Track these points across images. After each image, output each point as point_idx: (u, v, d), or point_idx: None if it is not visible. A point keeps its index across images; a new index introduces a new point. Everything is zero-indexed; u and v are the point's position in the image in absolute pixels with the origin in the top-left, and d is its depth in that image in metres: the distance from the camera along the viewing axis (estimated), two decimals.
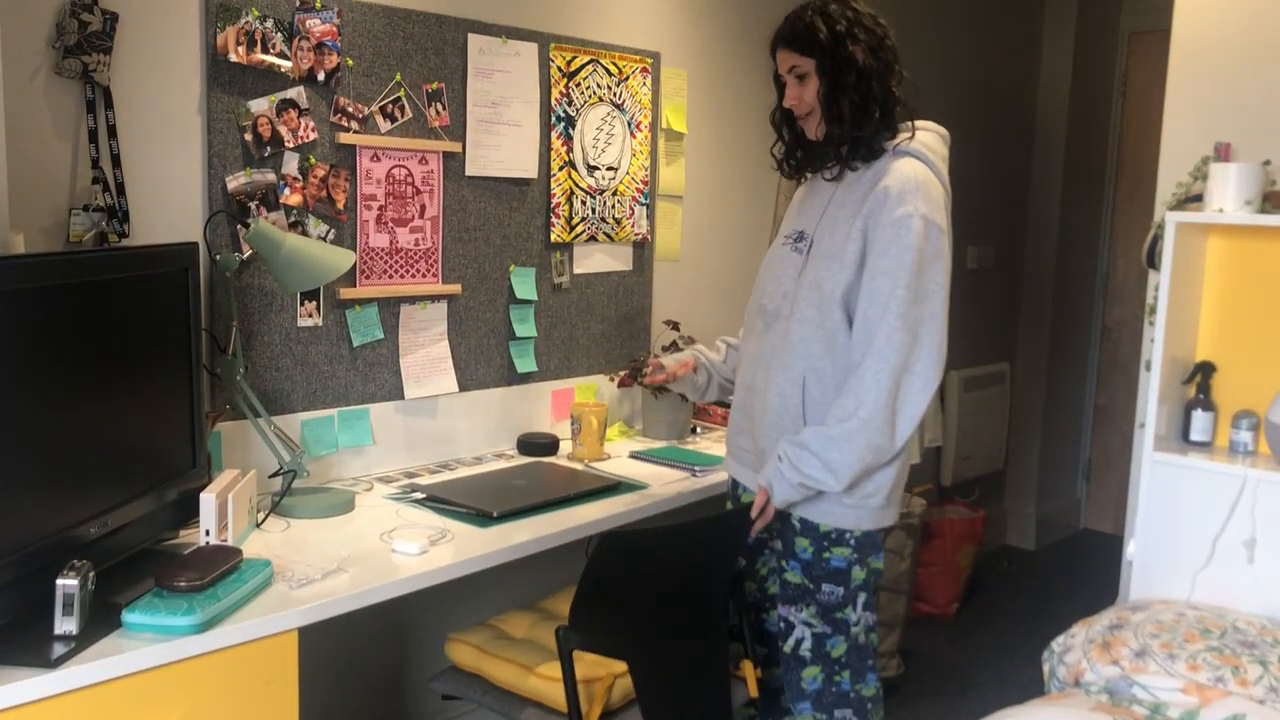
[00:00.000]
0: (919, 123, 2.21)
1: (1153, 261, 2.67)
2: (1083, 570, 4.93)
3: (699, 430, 3.31)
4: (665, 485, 2.71)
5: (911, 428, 2.11)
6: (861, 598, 2.24)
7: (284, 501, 2.37)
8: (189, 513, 2.15)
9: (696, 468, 2.84)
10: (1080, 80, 5.07)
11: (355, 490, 2.56)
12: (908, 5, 4.21)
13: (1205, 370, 2.57)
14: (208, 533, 2.10)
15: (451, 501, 2.47)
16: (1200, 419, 2.57)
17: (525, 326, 3.04)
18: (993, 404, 4.96)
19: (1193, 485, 2.48)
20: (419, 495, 2.53)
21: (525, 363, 3.05)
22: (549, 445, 3.00)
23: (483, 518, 2.41)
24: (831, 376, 2.16)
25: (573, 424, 2.95)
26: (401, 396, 2.77)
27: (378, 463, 2.74)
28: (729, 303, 3.71)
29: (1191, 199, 2.57)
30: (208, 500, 2.10)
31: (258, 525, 2.30)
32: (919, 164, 2.14)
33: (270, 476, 2.44)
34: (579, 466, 2.88)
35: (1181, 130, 2.70)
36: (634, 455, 2.99)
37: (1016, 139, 5.10)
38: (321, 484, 2.60)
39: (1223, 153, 2.54)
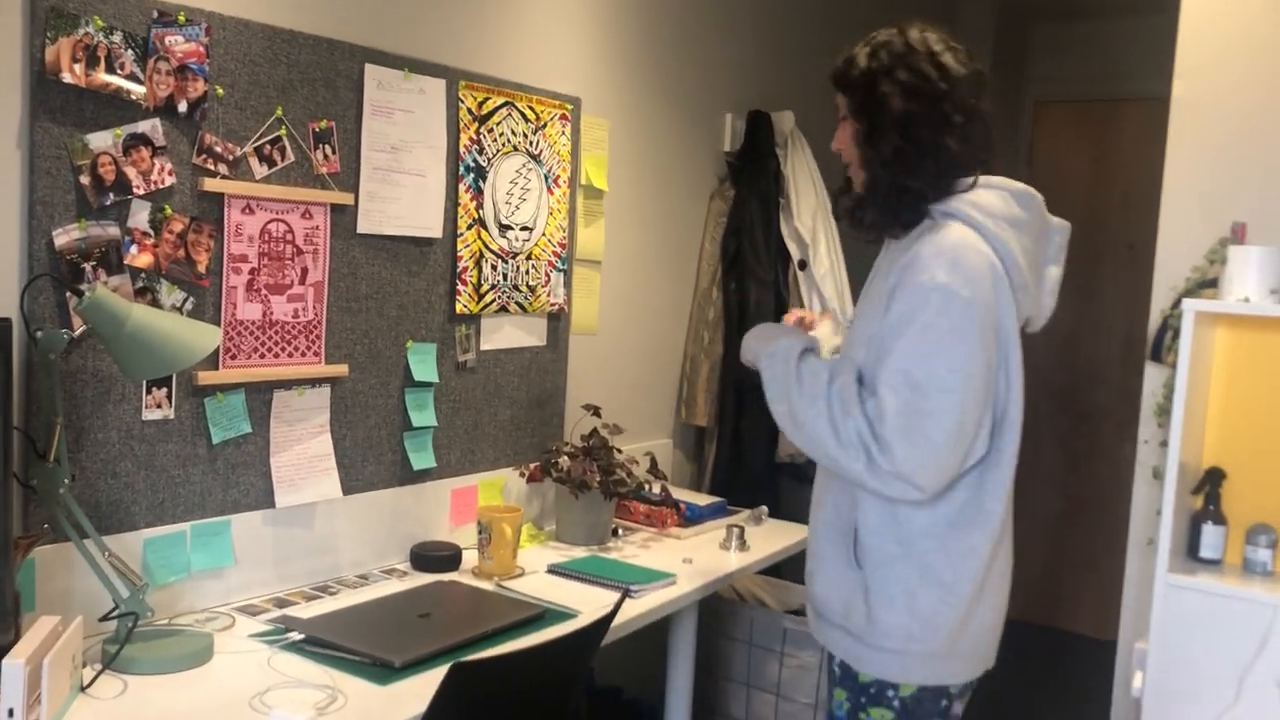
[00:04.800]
0: (984, 179, 1.81)
1: (1159, 355, 2.38)
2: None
3: (621, 532, 2.86)
4: (600, 612, 2.24)
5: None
6: None
7: (122, 652, 1.81)
8: None
9: (633, 586, 2.39)
10: None
11: (213, 629, 2.01)
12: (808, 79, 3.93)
13: (1214, 478, 2.27)
14: (11, 714, 1.54)
15: (340, 646, 1.95)
16: (1211, 534, 2.26)
17: (423, 414, 2.54)
18: None
19: (1214, 613, 2.16)
20: (297, 636, 2.00)
21: (422, 458, 2.55)
22: (449, 559, 2.50)
23: (382, 668, 1.89)
24: None
25: (480, 532, 2.46)
26: (272, 504, 2.24)
27: (240, 588, 2.19)
28: (651, 382, 3.29)
29: (1204, 285, 2.29)
30: (13, 670, 1.54)
31: (83, 689, 1.74)
32: (963, 228, 1.76)
33: (103, 619, 1.88)
34: (489, 586, 2.39)
35: (1182, 208, 2.43)
36: (553, 569, 2.52)
37: None
38: (170, 620, 2.04)
39: (1239, 234, 2.27)
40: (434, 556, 2.49)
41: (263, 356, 2.19)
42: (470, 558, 2.53)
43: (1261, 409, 2.26)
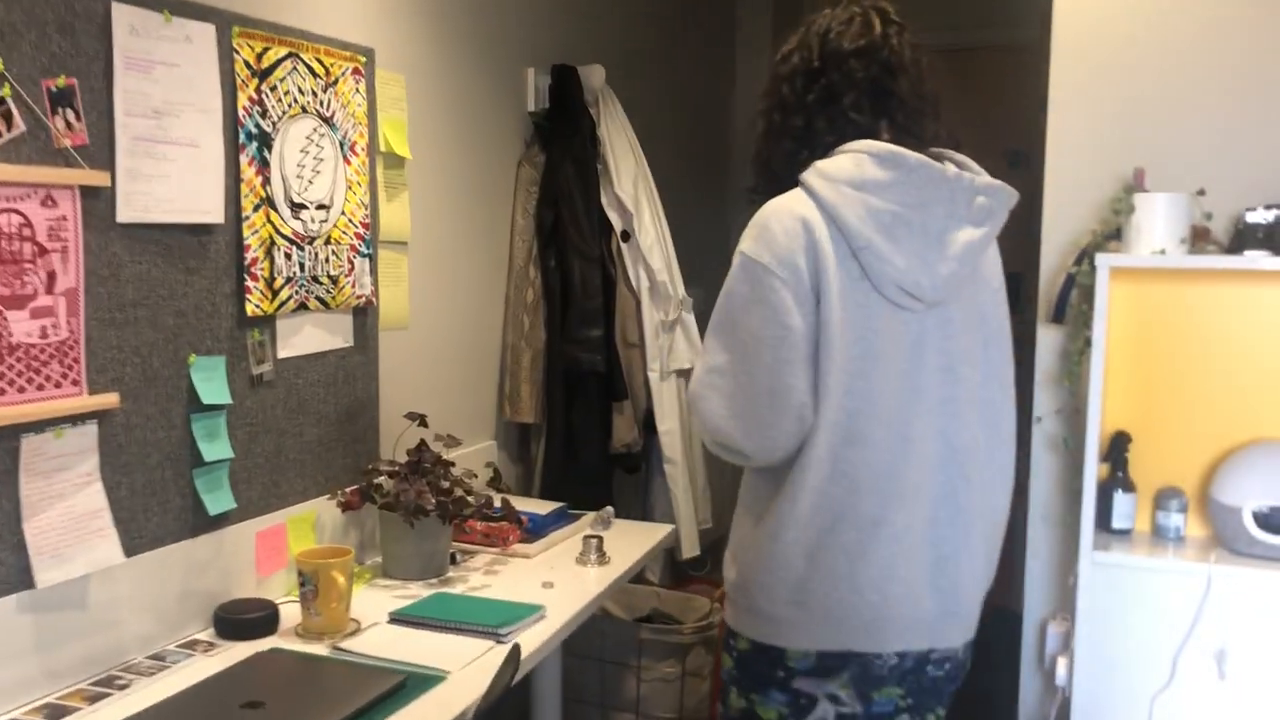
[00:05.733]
0: (851, 143, 1.69)
1: (1061, 315, 2.20)
2: None
3: (459, 558, 2.45)
4: (472, 668, 1.86)
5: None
6: None
7: None
8: None
9: (501, 629, 2.00)
10: None
11: None
12: (617, 31, 3.60)
13: (1120, 443, 2.13)
14: None
15: None
16: (1122, 502, 2.12)
17: (216, 444, 2.04)
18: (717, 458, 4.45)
19: (1143, 589, 2.01)
20: None
21: (218, 498, 2.05)
22: (264, 620, 2.02)
23: None
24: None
25: (303, 584, 2.00)
26: (30, 584, 1.70)
27: None
28: (469, 378, 2.88)
29: (1108, 237, 2.12)
30: None
31: None
32: (795, 194, 1.70)
33: None
34: (322, 649, 1.94)
35: (1069, 160, 2.26)
36: (397, 618, 2.09)
37: (715, 172, 4.67)
38: None
39: (1139, 179, 2.12)
40: (245, 619, 2.01)
41: (3, 393, 1.64)
42: (290, 614, 2.07)
43: (1166, 365, 2.14)
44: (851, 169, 1.66)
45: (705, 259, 4.50)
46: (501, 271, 2.99)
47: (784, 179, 1.73)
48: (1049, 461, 2.36)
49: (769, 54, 4.66)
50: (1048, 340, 2.30)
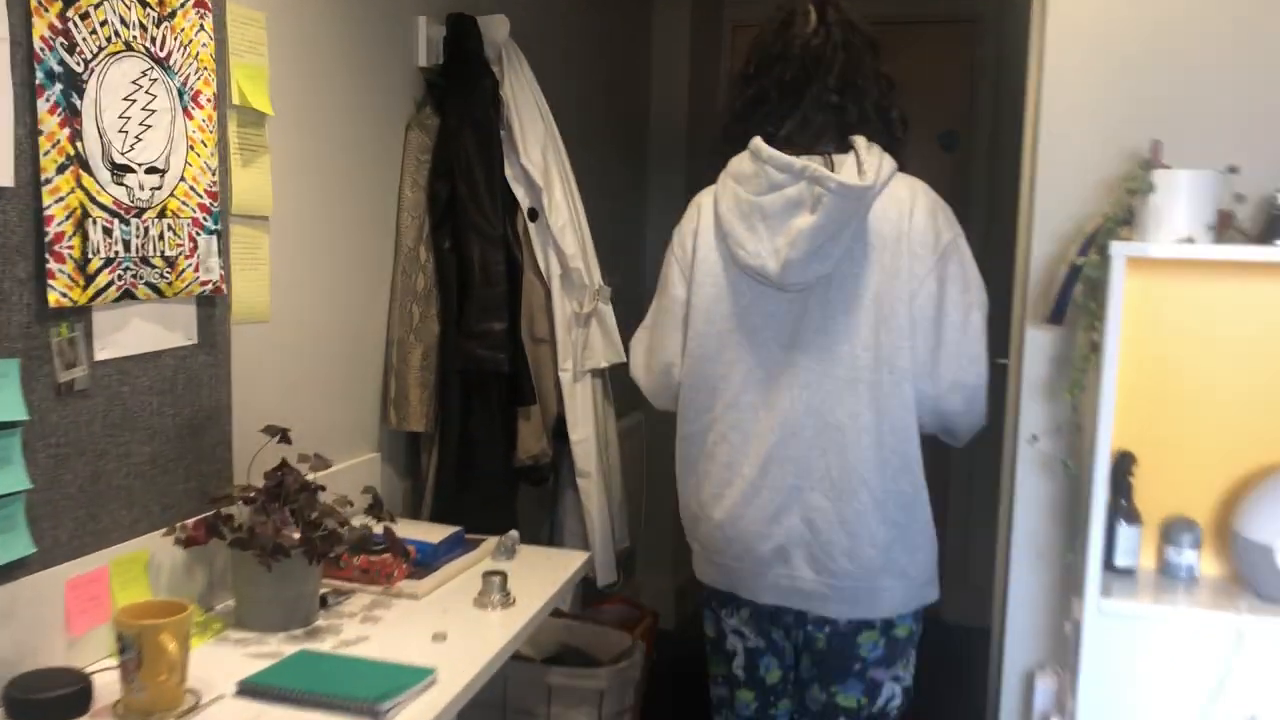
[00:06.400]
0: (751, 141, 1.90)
1: (1061, 315, 1.86)
2: None
3: (330, 600, 2.02)
4: None
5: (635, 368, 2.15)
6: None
7: None
8: None
9: (379, 704, 1.58)
10: (697, 78, 4.42)
11: None
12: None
13: (1124, 465, 1.80)
14: None
15: None
16: (1126, 536, 1.79)
17: (5, 473, 1.58)
18: (630, 464, 4.07)
19: (1156, 641, 1.69)
20: None
21: (9, 542, 1.59)
22: (72, 698, 1.57)
23: None
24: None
25: (123, 651, 1.56)
26: None
27: None
28: (346, 381, 2.44)
29: (1120, 222, 1.78)
30: None
31: None
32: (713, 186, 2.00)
33: None
34: None
35: (1064, 130, 1.92)
36: (247, 688, 1.65)
37: (632, 152, 4.29)
38: None
39: (1155, 154, 1.78)
40: (44, 699, 1.56)
41: None
42: (107, 686, 1.63)
43: (1177, 374, 1.82)
44: (737, 163, 1.90)
45: (624, 245, 4.13)
46: (387, 254, 2.55)
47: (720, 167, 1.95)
48: (1038, 486, 2.01)
49: (689, 32, 4.32)
50: (1039, 344, 1.95)
